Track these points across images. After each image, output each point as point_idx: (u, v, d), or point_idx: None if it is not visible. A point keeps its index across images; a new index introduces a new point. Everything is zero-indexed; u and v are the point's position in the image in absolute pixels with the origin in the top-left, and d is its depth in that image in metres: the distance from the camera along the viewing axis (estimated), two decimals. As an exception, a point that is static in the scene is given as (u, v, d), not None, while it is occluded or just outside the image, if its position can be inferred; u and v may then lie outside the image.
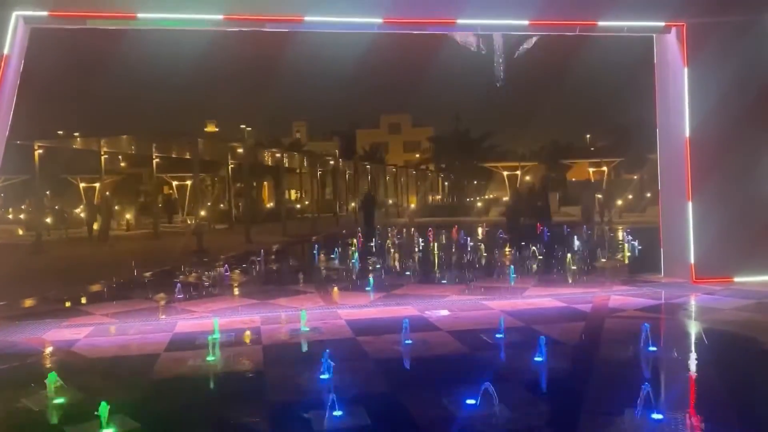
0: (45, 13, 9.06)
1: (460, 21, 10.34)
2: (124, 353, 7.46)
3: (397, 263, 15.99)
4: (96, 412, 4.86)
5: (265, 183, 54.29)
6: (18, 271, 14.84)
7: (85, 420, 5.00)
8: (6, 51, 8.66)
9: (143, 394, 5.89)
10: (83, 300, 10.99)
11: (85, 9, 9.24)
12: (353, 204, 46.63)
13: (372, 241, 20.65)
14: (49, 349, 7.74)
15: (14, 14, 8.77)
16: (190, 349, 7.43)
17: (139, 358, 7.20)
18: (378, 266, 14.93)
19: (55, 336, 8.33)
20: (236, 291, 11.87)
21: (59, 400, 5.62)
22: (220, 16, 9.64)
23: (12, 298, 10.98)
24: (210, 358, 6.95)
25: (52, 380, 5.75)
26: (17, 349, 7.73)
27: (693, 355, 6.99)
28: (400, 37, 12.11)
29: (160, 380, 6.45)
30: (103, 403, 4.87)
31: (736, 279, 10.92)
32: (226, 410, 5.44)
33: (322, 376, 5.97)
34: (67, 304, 10.68)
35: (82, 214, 37.25)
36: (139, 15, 9.31)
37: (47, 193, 41.84)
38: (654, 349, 6.70)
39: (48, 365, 7.14)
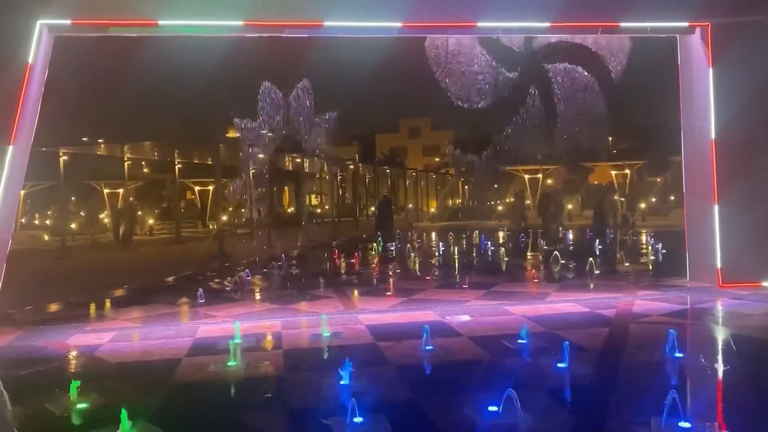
0: (68, 22, 9.18)
1: (480, 24, 10.29)
2: (146, 358, 7.50)
3: (417, 267, 15.92)
4: (118, 418, 4.87)
5: (285, 188, 54.52)
6: (43, 276, 15.04)
7: (108, 425, 5.02)
8: (30, 59, 8.78)
9: (165, 400, 5.90)
10: (106, 305, 11.09)
11: (107, 17, 9.34)
12: (373, 208, 46.58)
13: (391, 244, 20.61)
14: (72, 354, 7.80)
15: (38, 23, 8.90)
16: (212, 354, 7.44)
17: (161, 363, 7.21)
18: (398, 270, 14.90)
19: (79, 341, 8.41)
20: (257, 296, 11.90)
21: (82, 405, 5.65)
22: (241, 22, 9.69)
23: (37, 303, 11.13)
24: (231, 363, 6.95)
25: (75, 386, 5.78)
26: (41, 354, 7.81)
27: (720, 362, 6.82)
28: (420, 41, 12.10)
29: (181, 385, 6.45)
30: (123, 410, 4.88)
31: (765, 284, 10.70)
32: (248, 416, 5.43)
33: (342, 382, 5.94)
34: (91, 308, 10.78)
35: (106, 220, 37.76)
36: (161, 22, 9.39)
37: (72, 198, 42.44)
38: (680, 355, 6.56)
39: (71, 370, 7.20)
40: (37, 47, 8.86)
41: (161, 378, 6.60)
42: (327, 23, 9.89)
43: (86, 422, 5.35)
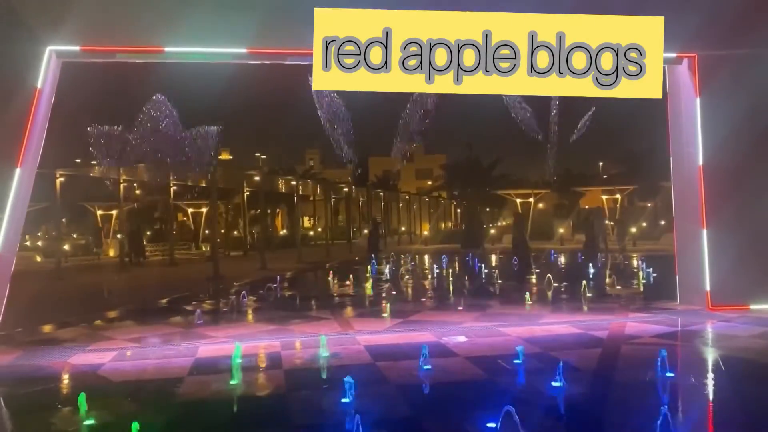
0: (77, 48, 9.42)
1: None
2: (149, 377, 7.61)
3: (410, 290, 16.10)
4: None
5: (279, 210, 54.70)
6: (40, 298, 15.07)
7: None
8: (39, 84, 9.01)
9: (170, 417, 6.04)
10: (106, 326, 11.18)
11: (115, 44, 9.62)
12: (366, 231, 46.91)
13: (381, 266, 20.81)
14: (75, 373, 7.89)
15: (48, 49, 9.14)
16: (213, 373, 7.58)
17: (164, 381, 7.34)
18: (393, 292, 15.08)
19: (81, 360, 8.51)
20: (255, 317, 12.02)
21: (90, 422, 5.78)
22: (244, 50, 9.96)
23: (35, 324, 11.20)
24: (233, 382, 7.10)
25: (82, 401, 5.91)
26: (44, 373, 7.90)
27: (710, 382, 7.04)
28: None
29: (185, 403, 6.58)
30: (135, 423, 5.02)
31: (752, 306, 10.93)
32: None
33: (344, 400, 6.10)
34: (90, 329, 10.89)
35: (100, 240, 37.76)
36: (167, 48, 9.66)
37: (63, 220, 42.41)
38: (671, 375, 6.77)
39: (76, 388, 7.30)
40: (45, 72, 9.10)
41: (165, 396, 6.74)
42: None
43: (95, 438, 5.48)
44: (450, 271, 19.49)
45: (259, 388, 7.17)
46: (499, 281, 16.66)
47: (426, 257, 28.22)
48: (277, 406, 6.42)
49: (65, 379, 7.71)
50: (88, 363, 8.32)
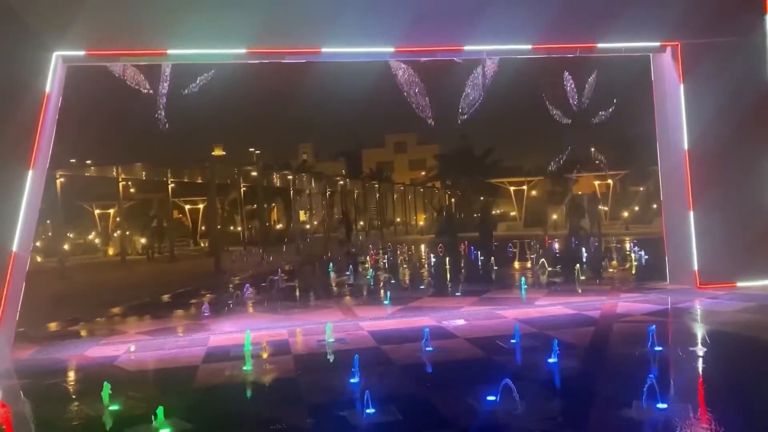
0: (82, 53, 9.73)
1: (467, 47, 10.97)
2: (165, 366, 8.00)
3: (407, 278, 16.50)
4: (150, 416, 5.40)
5: (274, 204, 54.94)
6: (48, 296, 15.39)
7: (141, 423, 5.55)
8: (47, 89, 9.32)
9: (189, 400, 6.41)
10: (116, 320, 11.53)
11: (119, 47, 9.92)
12: (362, 223, 47.35)
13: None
14: (93, 364, 8.26)
15: (54, 55, 9.43)
16: (226, 360, 7.96)
17: (180, 369, 7.72)
18: (392, 281, 15.49)
19: (97, 353, 8.88)
20: (260, 308, 12.38)
21: (114, 407, 6.15)
22: (244, 50, 10.28)
23: (47, 320, 11.55)
24: (246, 367, 7.48)
25: (106, 389, 6.28)
26: (64, 365, 8.28)
27: (695, 353, 7.45)
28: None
29: (202, 388, 6.97)
30: (160, 408, 5.40)
31: (739, 284, 11.36)
32: (269, 412, 5.98)
33: (353, 380, 6.49)
34: (101, 324, 11.24)
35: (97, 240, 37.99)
36: (170, 51, 9.97)
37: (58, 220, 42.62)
38: (660, 348, 7.19)
39: (96, 377, 7.65)
40: (53, 77, 9.40)
41: (183, 383, 7.12)
42: (325, 50, 10.49)
43: (121, 421, 5.84)
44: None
45: (271, 371, 7.55)
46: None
47: (412, 247, 28.62)
48: (291, 386, 6.79)
49: (84, 369, 8.06)
50: (104, 355, 8.69)
